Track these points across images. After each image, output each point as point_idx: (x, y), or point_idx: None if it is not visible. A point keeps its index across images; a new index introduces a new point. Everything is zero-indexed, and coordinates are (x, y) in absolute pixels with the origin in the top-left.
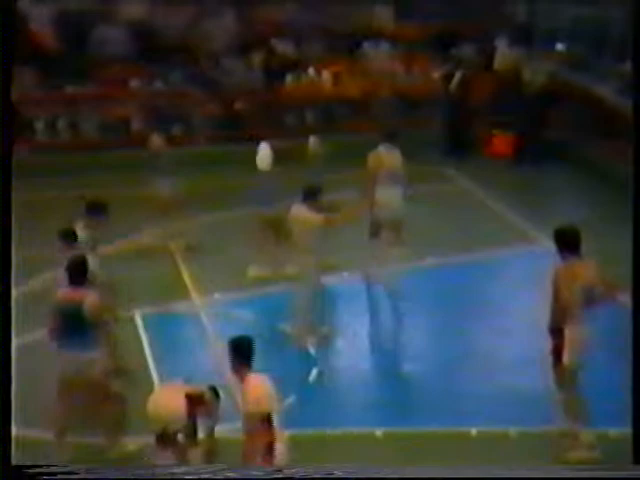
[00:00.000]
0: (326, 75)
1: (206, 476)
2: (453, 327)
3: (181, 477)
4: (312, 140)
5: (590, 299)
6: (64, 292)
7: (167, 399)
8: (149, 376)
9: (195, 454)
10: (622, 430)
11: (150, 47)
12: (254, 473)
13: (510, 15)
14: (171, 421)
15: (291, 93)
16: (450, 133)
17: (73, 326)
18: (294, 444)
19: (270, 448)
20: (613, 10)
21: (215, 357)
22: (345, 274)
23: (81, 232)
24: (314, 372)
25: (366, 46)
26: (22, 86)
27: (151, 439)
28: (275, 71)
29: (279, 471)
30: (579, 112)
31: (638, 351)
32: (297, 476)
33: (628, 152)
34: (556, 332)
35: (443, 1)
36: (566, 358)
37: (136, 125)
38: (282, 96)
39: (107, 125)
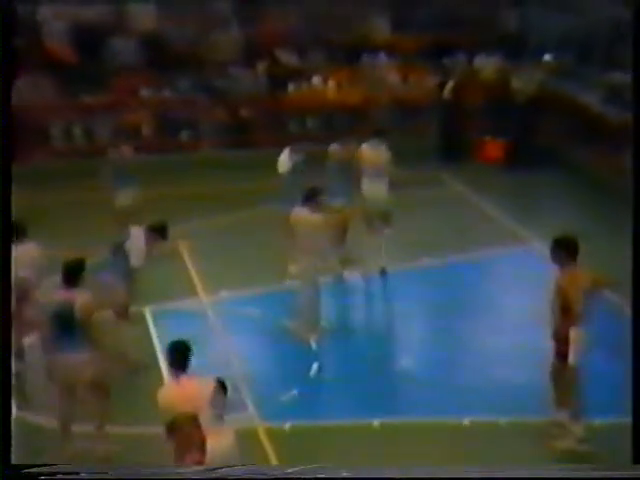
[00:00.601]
0: (327, 84)
1: (206, 476)
2: (448, 323)
3: (181, 477)
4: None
5: (587, 301)
6: (57, 293)
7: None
8: (159, 369)
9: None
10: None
11: (160, 57)
12: (261, 472)
13: (501, 27)
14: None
15: (294, 101)
16: (444, 139)
17: (65, 327)
18: (296, 434)
19: (202, 446)
20: (598, 23)
21: (222, 352)
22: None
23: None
24: (314, 366)
25: (365, 57)
26: (40, 95)
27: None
28: (279, 80)
29: (283, 471)
30: (566, 119)
31: (638, 352)
32: (305, 476)
33: (613, 156)
34: (560, 334)
35: (437, 14)
36: (571, 358)
37: (146, 131)
38: (285, 104)
39: (119, 131)
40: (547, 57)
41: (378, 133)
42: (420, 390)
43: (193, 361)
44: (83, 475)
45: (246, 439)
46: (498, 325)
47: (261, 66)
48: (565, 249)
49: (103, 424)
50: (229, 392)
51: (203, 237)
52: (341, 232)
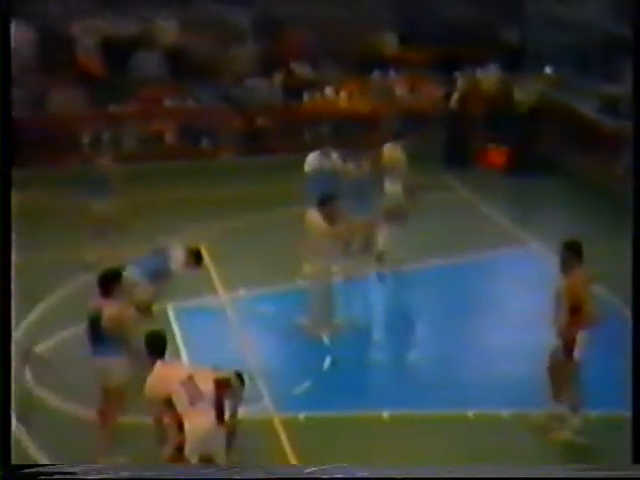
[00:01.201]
0: (339, 94)
1: (206, 477)
2: (454, 320)
3: (182, 477)
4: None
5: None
6: (93, 300)
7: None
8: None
9: (220, 432)
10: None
11: (183, 69)
12: (275, 472)
13: (503, 41)
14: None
15: (308, 110)
16: (450, 147)
17: (95, 334)
18: (309, 424)
19: (180, 429)
20: (595, 37)
21: (240, 347)
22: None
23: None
24: (327, 360)
25: (375, 68)
26: (71, 105)
27: None
28: (294, 90)
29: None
30: (565, 128)
31: (638, 354)
32: (320, 476)
33: (608, 164)
34: (568, 333)
35: (443, 28)
36: (577, 354)
37: (170, 139)
38: (300, 113)
39: (145, 139)
40: (547, 70)
41: (396, 136)
42: (427, 384)
43: (213, 355)
44: (83, 475)
45: (262, 429)
46: (501, 323)
47: (277, 77)
48: (575, 252)
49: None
50: (246, 384)
51: (222, 238)
52: (349, 241)
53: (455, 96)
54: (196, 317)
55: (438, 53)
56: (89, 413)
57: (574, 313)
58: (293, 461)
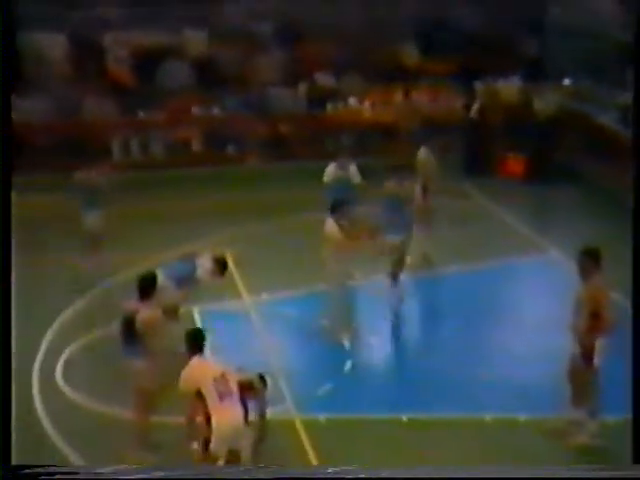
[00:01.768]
0: (362, 104)
1: (219, 477)
2: (473, 326)
3: (186, 477)
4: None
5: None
6: (129, 303)
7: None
8: None
9: (248, 433)
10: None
11: (209, 78)
12: (288, 472)
13: (523, 52)
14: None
15: (331, 119)
16: (470, 155)
17: (127, 335)
18: (330, 426)
19: (208, 424)
20: (613, 48)
21: (263, 349)
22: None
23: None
24: (348, 363)
25: (397, 79)
26: (103, 113)
27: None
28: (317, 100)
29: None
30: (583, 138)
31: (638, 354)
32: (335, 477)
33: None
34: (587, 339)
35: (464, 40)
36: (596, 360)
37: (196, 146)
38: (323, 122)
39: (172, 146)
40: (566, 80)
41: (424, 141)
42: (445, 388)
43: (237, 357)
44: (83, 475)
45: (284, 429)
46: (519, 328)
47: (301, 87)
48: (593, 259)
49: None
50: (269, 386)
51: (246, 243)
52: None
53: (475, 106)
54: (221, 320)
55: (459, 64)
56: (118, 413)
57: (593, 320)
58: (314, 462)
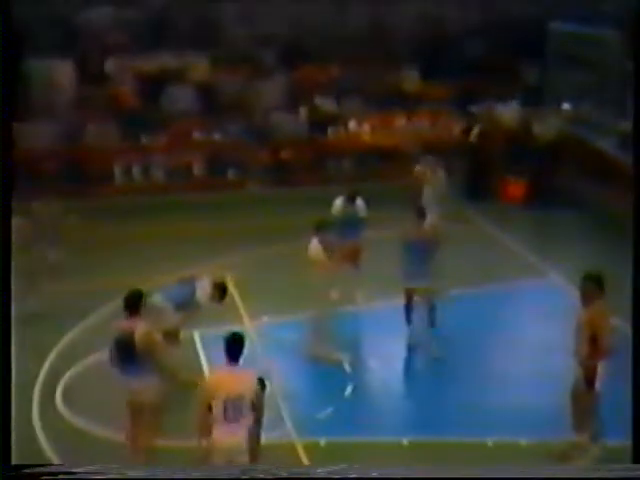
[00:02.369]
0: (363, 128)
1: (214, 477)
2: (473, 349)
3: (187, 477)
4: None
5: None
6: (120, 323)
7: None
8: None
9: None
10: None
11: (211, 103)
12: (282, 473)
13: (523, 78)
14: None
15: (332, 144)
16: (470, 180)
17: (126, 354)
18: (330, 449)
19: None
20: (613, 76)
21: (263, 372)
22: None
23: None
24: (349, 387)
25: (398, 104)
26: (104, 138)
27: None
28: (318, 124)
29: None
30: (583, 163)
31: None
32: (327, 477)
33: (625, 198)
34: (588, 363)
35: (464, 65)
36: (598, 385)
37: (197, 171)
38: (324, 147)
39: (173, 171)
40: (565, 106)
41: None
42: (447, 411)
43: None
44: (83, 475)
45: (284, 453)
46: (520, 352)
47: (302, 112)
48: (596, 284)
49: (151, 440)
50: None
51: (247, 267)
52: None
53: (475, 131)
54: (222, 343)
55: (459, 89)
56: (122, 437)
57: (594, 344)
58: None
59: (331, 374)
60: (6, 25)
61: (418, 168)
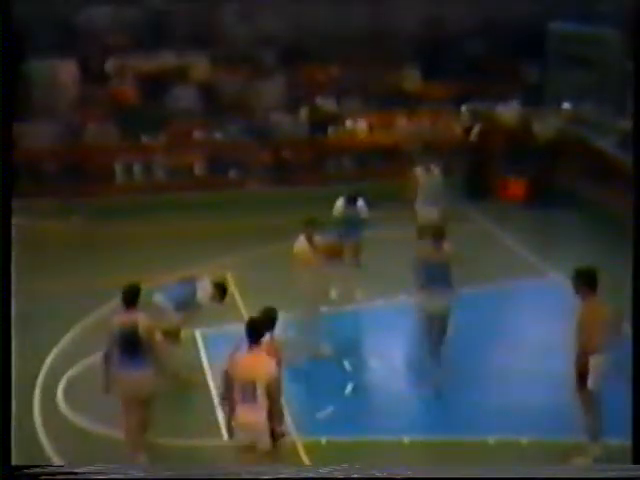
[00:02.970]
0: (363, 128)
1: (213, 477)
2: (474, 348)
3: (187, 477)
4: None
5: (608, 333)
6: (120, 316)
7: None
8: (208, 388)
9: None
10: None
11: (212, 103)
12: (284, 472)
13: (523, 77)
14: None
15: (332, 144)
16: (471, 179)
17: (129, 346)
18: (331, 448)
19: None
20: (613, 75)
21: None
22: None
23: (205, 298)
24: (349, 386)
25: (398, 103)
26: (104, 137)
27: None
28: (319, 124)
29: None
30: (583, 162)
31: (637, 363)
32: (328, 476)
33: (625, 197)
34: (582, 360)
35: (464, 64)
36: (591, 382)
37: (198, 170)
38: (324, 146)
39: (174, 170)
40: (565, 105)
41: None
42: (448, 410)
43: None
44: (83, 475)
45: (284, 452)
46: (520, 351)
47: (303, 112)
48: (585, 281)
49: (145, 433)
50: None
51: (248, 267)
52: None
53: (475, 130)
54: (223, 342)
55: (459, 88)
56: (122, 435)
57: (586, 342)
58: None
59: (331, 373)
60: (6, 25)
61: (415, 169)
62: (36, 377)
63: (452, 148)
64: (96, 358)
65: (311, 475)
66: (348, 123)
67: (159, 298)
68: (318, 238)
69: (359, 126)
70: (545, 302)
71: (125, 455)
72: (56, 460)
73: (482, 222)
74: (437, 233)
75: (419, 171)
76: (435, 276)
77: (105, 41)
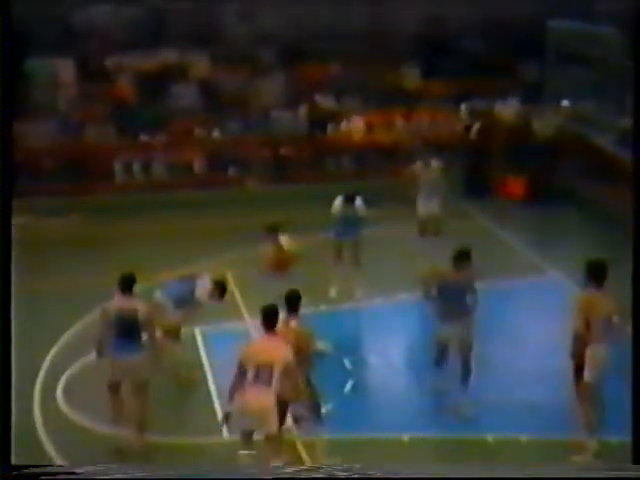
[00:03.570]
0: (362, 126)
1: (203, 477)
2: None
3: (187, 477)
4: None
5: (608, 327)
6: (118, 303)
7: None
8: (207, 385)
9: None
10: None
11: (211, 101)
12: (284, 471)
13: (523, 75)
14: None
15: (331, 141)
16: (470, 177)
17: (128, 331)
18: (331, 446)
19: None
20: (612, 73)
21: None
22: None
23: (205, 296)
24: (349, 384)
25: (397, 101)
26: (104, 135)
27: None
28: (318, 122)
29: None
30: (582, 159)
31: (637, 365)
32: (330, 476)
33: (625, 194)
34: (578, 352)
35: (464, 62)
36: (587, 375)
37: (198, 168)
38: (323, 144)
39: (174, 168)
40: (565, 103)
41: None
42: (447, 407)
43: None
44: (83, 475)
45: (284, 450)
46: (519, 348)
47: (302, 109)
48: (588, 272)
49: (143, 421)
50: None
51: (247, 265)
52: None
53: (475, 127)
54: (222, 340)
55: (459, 86)
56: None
57: (584, 332)
58: None
59: (331, 371)
60: (6, 25)
61: (415, 164)
62: (36, 376)
63: (451, 146)
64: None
65: (311, 474)
66: (347, 121)
67: (159, 296)
68: (282, 245)
69: (358, 124)
70: (544, 300)
71: (125, 452)
72: (56, 460)
73: (481, 220)
74: (461, 256)
75: (419, 166)
76: (452, 299)
77: (105, 39)
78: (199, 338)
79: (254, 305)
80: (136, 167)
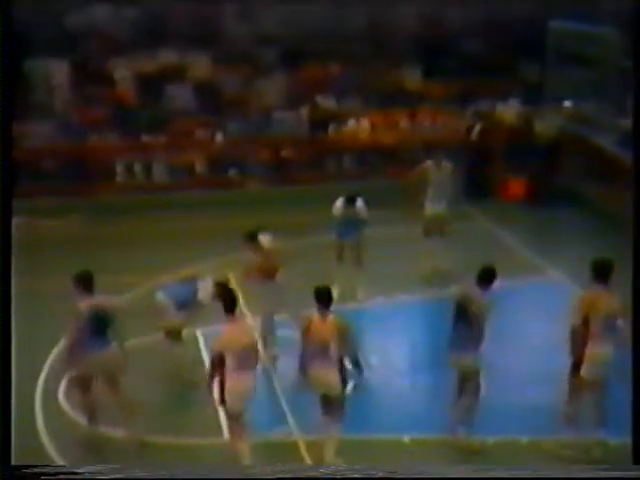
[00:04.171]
0: (363, 127)
1: (202, 477)
2: None
3: (187, 477)
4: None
5: (611, 326)
6: (89, 302)
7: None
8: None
9: None
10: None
11: (212, 102)
12: (284, 471)
13: (524, 76)
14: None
15: (332, 142)
16: (471, 178)
17: (103, 326)
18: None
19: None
20: (612, 73)
21: (264, 369)
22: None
23: (207, 298)
24: (350, 385)
25: (399, 102)
26: (105, 136)
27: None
28: (319, 123)
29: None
30: (583, 160)
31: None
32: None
33: (626, 195)
34: (577, 348)
35: (465, 63)
36: (584, 371)
37: (199, 169)
38: (324, 145)
39: (175, 169)
40: (566, 103)
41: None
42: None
43: None
44: (83, 475)
45: (286, 451)
46: (519, 350)
47: (303, 110)
48: (593, 270)
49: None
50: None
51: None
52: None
53: (476, 128)
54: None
55: (460, 87)
56: (121, 433)
57: (583, 330)
58: None
59: None
60: (6, 25)
61: (426, 163)
62: (37, 377)
63: (452, 147)
64: None
65: (311, 474)
66: (348, 122)
67: (161, 297)
68: (263, 253)
69: (359, 125)
70: (545, 301)
71: (125, 452)
72: (57, 460)
73: (482, 221)
74: (486, 273)
75: (430, 165)
76: (464, 325)
77: (105, 40)
78: (201, 339)
79: (254, 305)
80: (137, 168)
